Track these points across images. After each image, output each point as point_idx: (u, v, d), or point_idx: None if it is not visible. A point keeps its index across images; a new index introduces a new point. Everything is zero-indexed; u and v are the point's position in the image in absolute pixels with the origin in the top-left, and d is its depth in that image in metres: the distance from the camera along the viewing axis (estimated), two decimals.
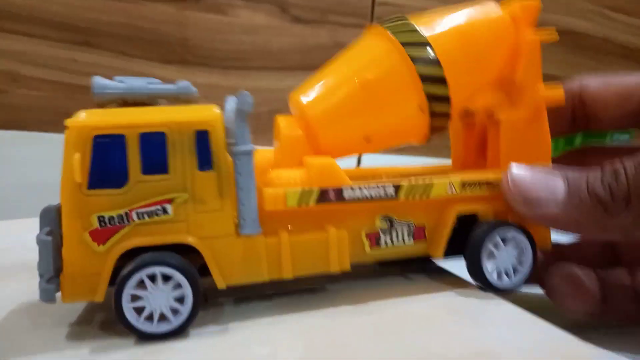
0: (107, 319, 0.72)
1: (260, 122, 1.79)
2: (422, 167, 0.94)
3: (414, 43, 0.77)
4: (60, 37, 1.72)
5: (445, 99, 0.78)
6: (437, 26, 0.80)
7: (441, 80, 0.77)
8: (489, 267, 0.77)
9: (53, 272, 0.65)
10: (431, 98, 0.77)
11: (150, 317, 0.66)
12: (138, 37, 1.79)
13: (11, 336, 0.68)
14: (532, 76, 0.82)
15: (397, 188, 0.75)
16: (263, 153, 0.80)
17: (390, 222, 0.78)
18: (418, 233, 0.79)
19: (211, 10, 1.83)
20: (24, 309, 0.76)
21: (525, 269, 0.79)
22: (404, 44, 0.77)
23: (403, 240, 0.79)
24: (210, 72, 1.86)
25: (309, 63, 1.89)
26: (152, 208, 0.66)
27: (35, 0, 1.68)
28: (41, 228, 0.66)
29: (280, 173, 0.74)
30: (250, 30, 1.87)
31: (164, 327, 0.66)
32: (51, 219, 0.66)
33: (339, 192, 0.73)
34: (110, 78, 0.69)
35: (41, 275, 0.65)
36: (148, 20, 1.78)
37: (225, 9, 1.84)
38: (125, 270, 0.65)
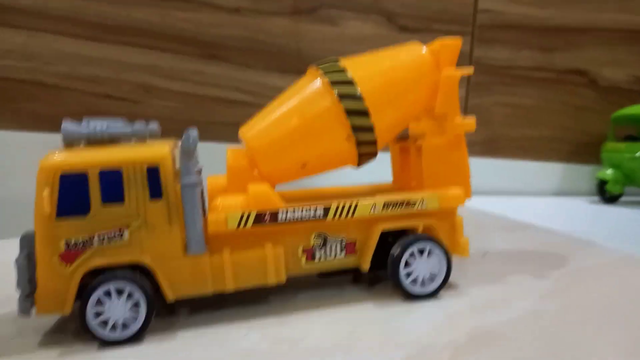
0: (76, 329, 0.84)
1: None
2: (366, 186, 1.06)
3: (341, 82, 0.89)
4: (189, 51, 1.87)
5: (369, 129, 0.89)
6: (363, 66, 0.92)
7: (364, 113, 0.88)
8: (406, 276, 0.89)
9: (29, 289, 0.78)
10: (356, 129, 0.89)
11: (109, 325, 0.78)
12: (258, 49, 1.92)
13: None
14: (450, 107, 0.93)
15: (325, 210, 0.87)
16: (217, 179, 0.93)
17: (324, 239, 0.89)
18: (349, 247, 0.91)
19: (323, 22, 1.95)
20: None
21: (441, 276, 0.90)
22: (332, 83, 0.89)
23: (335, 254, 0.90)
24: None
25: None
26: (111, 233, 0.79)
27: (167, 18, 1.84)
28: (20, 251, 0.79)
29: (224, 199, 0.86)
30: (359, 40, 1.98)
31: (122, 334, 0.79)
32: (28, 243, 0.79)
33: (273, 215, 0.85)
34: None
35: (19, 292, 0.78)
36: (267, 33, 1.91)
37: (336, 21, 1.96)
38: (89, 287, 0.78)
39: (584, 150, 2.20)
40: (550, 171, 2.21)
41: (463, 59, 1.94)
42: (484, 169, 2.11)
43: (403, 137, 1.04)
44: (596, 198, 2.04)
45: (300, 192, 1.01)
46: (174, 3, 1.84)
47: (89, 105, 1.81)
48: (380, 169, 1.12)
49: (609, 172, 1.94)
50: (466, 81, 2.08)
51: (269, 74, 1.94)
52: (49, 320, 0.88)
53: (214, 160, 1.08)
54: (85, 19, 1.78)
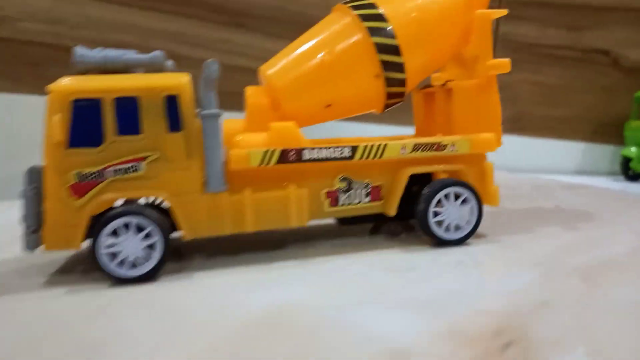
0: (88, 270, 0.79)
1: None
2: (389, 137, 1.01)
3: (371, 16, 0.84)
4: (215, 19, 1.82)
5: (399, 66, 0.84)
6: (395, 3, 0.87)
7: (395, 50, 0.83)
8: (437, 222, 0.84)
9: (36, 224, 0.72)
10: (386, 66, 0.84)
11: (124, 262, 0.73)
12: (287, 19, 1.87)
13: None
14: (482, 49, 0.89)
15: (353, 149, 0.82)
16: (233, 122, 0.87)
17: (349, 182, 0.85)
18: (375, 193, 0.86)
19: None
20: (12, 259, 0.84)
21: (472, 223, 0.86)
22: (362, 18, 0.84)
23: (361, 199, 0.85)
24: None
25: None
26: (126, 165, 0.74)
27: None
28: (27, 184, 0.74)
29: (246, 136, 0.81)
30: None
31: (135, 272, 0.73)
32: (36, 177, 0.73)
33: (298, 153, 0.80)
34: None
35: (25, 227, 0.72)
36: (298, 3, 1.87)
37: None
38: (101, 221, 0.72)
39: (606, 130, 2.19)
40: (573, 150, 2.20)
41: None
42: (508, 146, 2.06)
43: (426, 85, 0.99)
44: (619, 177, 2.02)
45: (320, 140, 0.96)
46: None
47: None
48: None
49: (633, 150, 1.92)
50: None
51: None
52: (55, 259, 0.83)
53: None
54: None
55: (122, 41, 1.74)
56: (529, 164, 2.10)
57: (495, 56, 0.88)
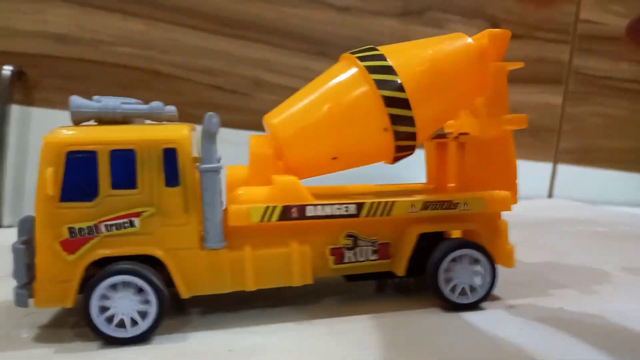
0: (79, 323, 0.76)
1: None
2: (398, 185, 0.97)
3: (380, 68, 0.81)
4: (298, 47, 1.87)
5: (409, 120, 0.81)
6: (404, 54, 0.84)
7: (404, 103, 0.80)
8: (448, 284, 0.80)
9: (26, 278, 0.69)
10: (395, 119, 0.80)
11: (116, 323, 0.69)
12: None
13: None
14: (497, 103, 0.85)
15: (359, 206, 0.78)
16: (237, 169, 0.84)
17: (355, 240, 0.81)
18: (382, 250, 0.82)
19: (430, 24, 1.97)
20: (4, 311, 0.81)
21: (485, 286, 0.81)
22: (369, 70, 0.80)
23: (367, 257, 0.81)
24: None
25: (516, 77, 2.01)
26: (120, 221, 0.70)
27: (280, 13, 1.85)
28: (19, 237, 0.71)
29: (247, 190, 0.78)
30: None
31: (128, 333, 0.70)
32: (28, 229, 0.71)
33: (301, 209, 0.76)
34: None
35: (16, 282, 0.69)
36: (375, 33, 1.91)
37: (442, 24, 1.97)
38: (94, 278, 0.69)
39: None
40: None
41: (562, 68, 1.98)
42: (575, 177, 2.14)
43: (439, 135, 0.95)
44: None
45: (327, 189, 0.92)
46: None
47: (201, 96, 1.82)
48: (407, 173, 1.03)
49: None
50: (563, 90, 2.06)
51: None
52: (47, 312, 0.80)
53: None
54: (203, 10, 1.80)
55: (210, 67, 1.82)
56: (594, 195, 2.08)
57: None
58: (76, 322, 0.76)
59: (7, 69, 1.66)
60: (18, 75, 1.68)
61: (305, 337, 0.72)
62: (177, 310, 0.81)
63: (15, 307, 0.71)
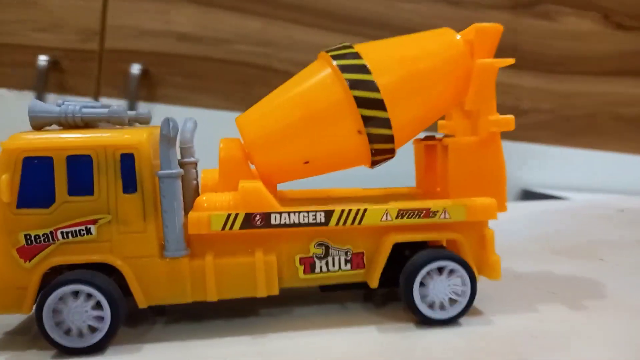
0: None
1: (575, 125, 1.96)
2: (384, 189, 0.92)
3: (353, 67, 0.76)
4: None
5: (385, 122, 0.76)
6: (381, 52, 0.79)
7: (379, 104, 0.75)
8: (421, 298, 0.75)
9: None
10: (368, 121, 0.76)
11: (69, 332, 0.68)
12: None
13: None
14: (484, 102, 0.79)
15: (328, 214, 0.74)
16: (212, 173, 0.82)
17: (326, 248, 0.77)
18: (356, 260, 0.78)
19: (542, 17, 1.96)
20: None
21: (464, 300, 0.76)
22: (342, 69, 0.76)
23: (339, 266, 0.77)
24: (536, 76, 1.98)
25: (626, 69, 2.02)
26: (77, 228, 0.69)
27: (392, 9, 1.87)
28: None
29: (210, 196, 0.75)
30: (575, 37, 1.98)
31: (82, 343, 0.68)
32: None
33: (265, 217, 0.73)
34: None
35: None
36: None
37: (554, 16, 1.96)
38: (47, 288, 0.68)
39: None
40: None
41: None
42: None
43: (429, 136, 0.90)
44: None
45: (304, 193, 0.89)
46: None
47: None
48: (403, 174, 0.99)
49: None
50: None
51: None
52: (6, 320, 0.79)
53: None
54: (318, 7, 1.84)
55: None
56: None
57: None
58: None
59: (136, 69, 1.76)
60: (144, 73, 1.78)
61: (265, 351, 0.69)
62: (141, 318, 0.79)
63: None
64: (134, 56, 1.79)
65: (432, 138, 0.89)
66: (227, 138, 0.81)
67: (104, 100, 1.71)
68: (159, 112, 1.72)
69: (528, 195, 1.95)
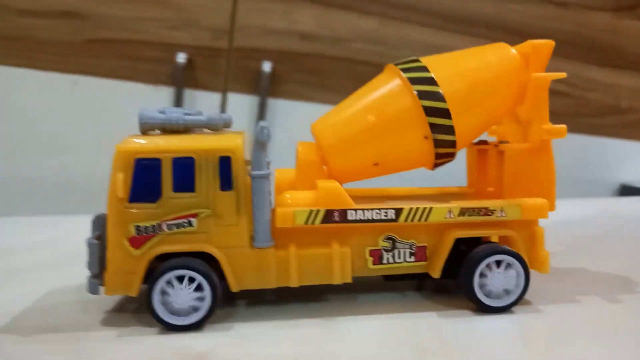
0: (139, 310, 0.86)
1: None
2: (437, 188, 1.01)
3: (421, 80, 0.85)
4: (517, 42, 2.05)
5: (449, 129, 0.85)
6: (446, 66, 0.88)
7: (444, 113, 0.84)
8: (481, 288, 0.84)
9: (98, 269, 0.79)
10: (435, 128, 0.84)
11: (174, 312, 0.78)
12: (579, 42, 2.04)
13: (59, 317, 0.84)
14: (538, 113, 0.87)
15: (397, 212, 0.83)
16: (285, 172, 0.91)
17: (393, 242, 0.86)
18: (419, 253, 0.87)
19: None
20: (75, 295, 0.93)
21: (518, 292, 0.84)
22: (412, 81, 0.85)
23: (404, 259, 0.86)
24: (636, 76, 2.07)
25: None
26: (180, 221, 0.79)
27: (500, 9, 1.98)
28: (92, 232, 0.81)
29: (293, 194, 0.84)
30: None
31: (184, 321, 0.78)
32: (100, 225, 0.81)
33: (342, 214, 0.82)
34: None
35: (89, 272, 0.80)
36: (589, 27, 2.02)
37: None
38: (157, 271, 0.78)
39: None
40: None
41: None
42: None
43: (481, 141, 0.98)
44: None
45: (366, 191, 0.98)
46: None
47: None
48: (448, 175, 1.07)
49: None
50: None
51: (587, 66, 2.01)
52: (110, 300, 0.90)
53: None
54: (431, 8, 1.94)
55: None
56: None
57: None
58: (137, 309, 0.86)
59: (268, 66, 1.88)
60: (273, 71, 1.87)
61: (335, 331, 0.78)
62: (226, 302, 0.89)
63: (80, 293, 0.81)
64: (259, 54, 1.88)
65: (484, 142, 0.97)
66: (304, 142, 0.90)
67: (232, 97, 1.88)
68: (280, 107, 1.86)
69: (627, 190, 2.01)
